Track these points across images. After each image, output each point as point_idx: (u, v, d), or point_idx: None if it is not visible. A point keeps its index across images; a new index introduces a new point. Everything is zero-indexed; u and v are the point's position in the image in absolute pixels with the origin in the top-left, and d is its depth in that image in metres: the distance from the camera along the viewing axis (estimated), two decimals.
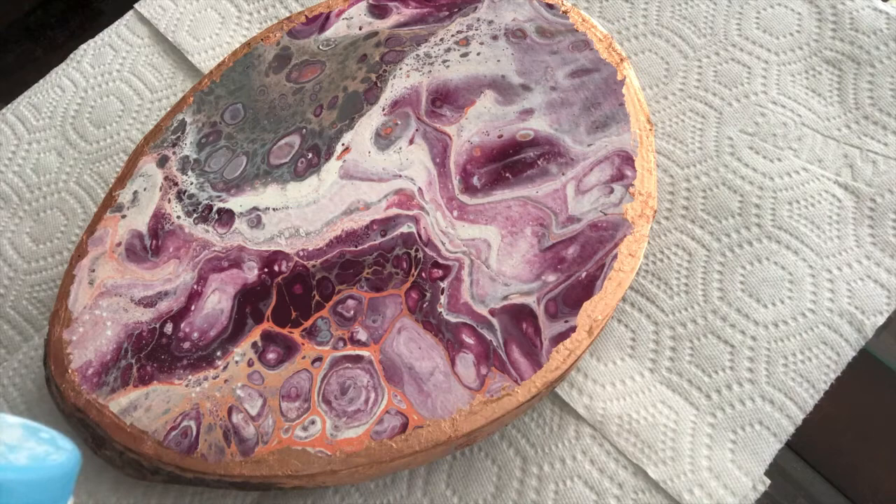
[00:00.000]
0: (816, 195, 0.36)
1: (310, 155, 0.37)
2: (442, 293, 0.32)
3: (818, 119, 0.38)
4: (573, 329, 0.31)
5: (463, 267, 0.32)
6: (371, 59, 0.39)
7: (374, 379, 0.31)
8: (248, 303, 0.33)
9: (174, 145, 0.38)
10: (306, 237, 0.34)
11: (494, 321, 0.31)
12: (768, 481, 0.31)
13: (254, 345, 0.32)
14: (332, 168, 0.36)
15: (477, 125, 0.36)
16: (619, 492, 0.31)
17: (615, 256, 0.32)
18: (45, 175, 0.43)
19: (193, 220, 0.36)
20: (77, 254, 0.36)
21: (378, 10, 0.41)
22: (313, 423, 0.30)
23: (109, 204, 0.37)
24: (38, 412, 0.35)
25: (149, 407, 0.31)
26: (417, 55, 0.39)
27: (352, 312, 0.32)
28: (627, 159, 0.34)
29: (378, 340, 0.31)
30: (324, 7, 0.42)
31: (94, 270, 0.35)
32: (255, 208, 0.36)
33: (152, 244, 0.35)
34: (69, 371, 0.33)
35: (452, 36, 0.39)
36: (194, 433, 0.30)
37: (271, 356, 0.32)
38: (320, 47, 0.40)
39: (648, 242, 0.36)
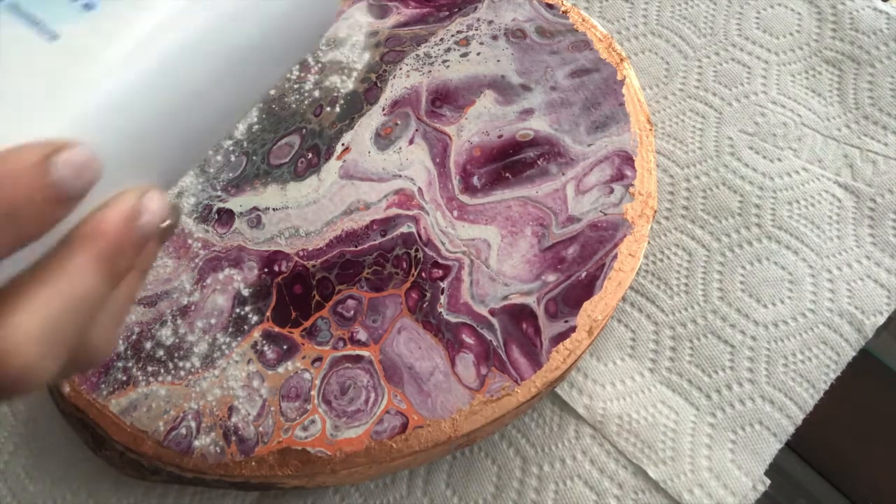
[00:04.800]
0: (816, 195, 0.36)
1: (310, 155, 0.37)
2: (442, 293, 0.32)
3: (818, 119, 0.38)
4: (573, 329, 0.30)
5: (463, 267, 0.32)
6: (371, 59, 0.39)
7: (374, 379, 0.31)
8: (247, 303, 0.33)
9: None
10: (306, 237, 0.34)
11: (494, 321, 0.31)
12: (768, 481, 0.31)
13: (254, 345, 0.32)
14: (332, 168, 0.36)
15: (477, 125, 0.36)
16: (619, 492, 0.31)
17: (615, 256, 0.32)
18: None
19: (193, 220, 0.36)
20: None
21: (378, 10, 0.41)
22: (313, 423, 0.30)
23: None
24: (38, 412, 0.35)
25: (149, 407, 0.31)
26: (417, 55, 0.39)
27: (352, 312, 0.32)
28: (627, 159, 0.34)
29: (378, 340, 0.31)
30: None
31: None
32: (255, 208, 0.36)
33: None
34: None
35: (452, 36, 0.39)
36: (194, 433, 0.30)
37: (271, 356, 0.32)
38: (321, 47, 0.40)
39: (648, 242, 0.36)
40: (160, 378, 0.32)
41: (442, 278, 0.32)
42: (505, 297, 0.31)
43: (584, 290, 0.31)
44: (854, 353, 0.33)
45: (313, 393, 0.31)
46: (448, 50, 0.39)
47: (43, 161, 0.14)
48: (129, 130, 0.16)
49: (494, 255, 0.32)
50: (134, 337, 0.33)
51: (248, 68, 0.18)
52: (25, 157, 0.13)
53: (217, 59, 0.17)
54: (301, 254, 0.34)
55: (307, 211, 0.35)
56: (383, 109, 0.37)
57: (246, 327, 0.32)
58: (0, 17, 0.15)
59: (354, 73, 0.39)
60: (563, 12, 0.39)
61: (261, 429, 0.30)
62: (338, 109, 0.38)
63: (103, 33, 0.15)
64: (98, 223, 0.15)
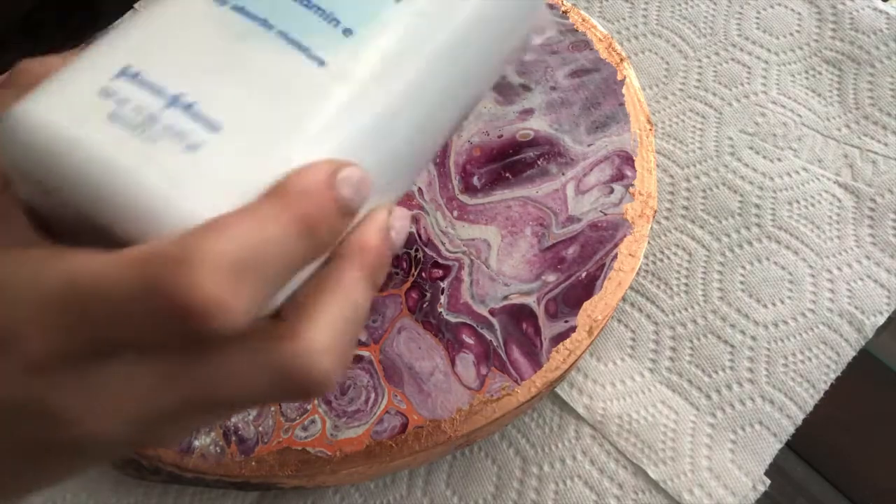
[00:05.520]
0: (816, 195, 0.36)
1: None
2: (442, 293, 0.32)
3: (818, 119, 0.38)
4: (573, 329, 0.30)
5: (463, 267, 0.32)
6: None
7: (374, 379, 0.31)
8: None
9: None
10: None
11: (494, 321, 0.31)
12: (768, 481, 0.31)
13: None
14: None
15: (477, 125, 0.36)
16: (619, 492, 0.31)
17: (615, 256, 0.32)
18: None
19: None
20: None
21: None
22: (313, 422, 0.30)
23: None
24: None
25: None
26: None
27: None
28: (627, 159, 0.34)
29: (378, 340, 0.31)
30: None
31: None
32: None
33: None
34: None
35: None
36: (194, 433, 0.30)
37: None
38: None
39: (648, 242, 0.36)
40: None
41: (442, 278, 0.32)
42: (505, 297, 0.31)
43: (584, 290, 0.31)
44: (854, 353, 0.33)
45: None
46: None
47: (331, 179, 0.15)
48: (381, 151, 0.17)
49: (494, 255, 0.32)
50: None
51: (474, 83, 0.20)
52: (317, 175, 0.15)
53: (453, 76, 0.18)
54: None
55: None
56: None
57: None
58: (273, 45, 0.16)
59: None
60: (563, 12, 0.39)
61: (261, 429, 0.30)
62: None
63: (362, 58, 0.16)
64: (364, 239, 0.16)
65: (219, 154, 0.15)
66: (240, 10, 0.16)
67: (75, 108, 0.15)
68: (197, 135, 0.15)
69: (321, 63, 0.16)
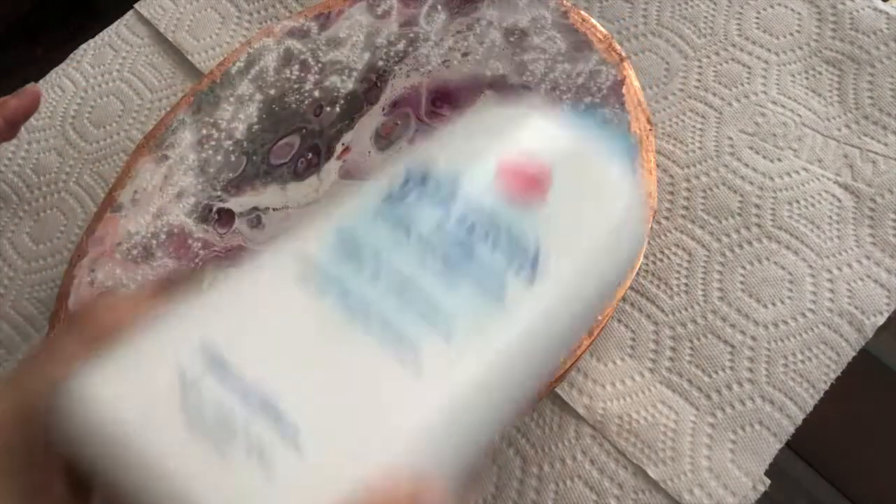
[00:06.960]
0: (816, 195, 0.36)
1: (310, 155, 0.37)
2: None
3: (818, 119, 0.38)
4: None
5: None
6: (371, 59, 0.39)
7: None
8: None
9: (174, 145, 0.38)
10: None
11: None
12: (768, 481, 0.31)
13: None
14: (332, 168, 0.36)
15: None
16: (619, 492, 0.31)
17: None
18: (45, 175, 0.43)
19: (193, 220, 0.36)
20: (77, 254, 0.36)
21: (378, 10, 0.41)
22: None
23: (109, 204, 0.37)
24: None
25: None
26: (417, 55, 0.39)
27: None
28: None
29: None
30: (324, 7, 0.42)
31: (94, 270, 0.35)
32: (255, 208, 0.36)
33: (152, 244, 0.35)
34: None
35: (453, 36, 0.39)
36: None
37: None
38: (320, 47, 0.40)
39: (648, 242, 0.36)
40: None
41: None
42: None
43: None
44: (854, 353, 0.33)
45: None
46: (448, 50, 0.39)
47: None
48: (461, 456, 0.16)
49: None
50: None
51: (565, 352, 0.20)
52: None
53: (546, 365, 0.18)
54: None
55: (307, 211, 0.35)
56: (383, 109, 0.37)
57: None
58: (369, 345, 0.15)
59: (354, 73, 0.39)
60: (563, 12, 0.39)
61: None
62: (338, 109, 0.38)
63: (460, 370, 0.15)
64: None
65: (293, 475, 0.14)
66: (343, 300, 0.15)
67: (146, 395, 0.14)
68: (275, 450, 0.14)
69: (419, 374, 0.15)
